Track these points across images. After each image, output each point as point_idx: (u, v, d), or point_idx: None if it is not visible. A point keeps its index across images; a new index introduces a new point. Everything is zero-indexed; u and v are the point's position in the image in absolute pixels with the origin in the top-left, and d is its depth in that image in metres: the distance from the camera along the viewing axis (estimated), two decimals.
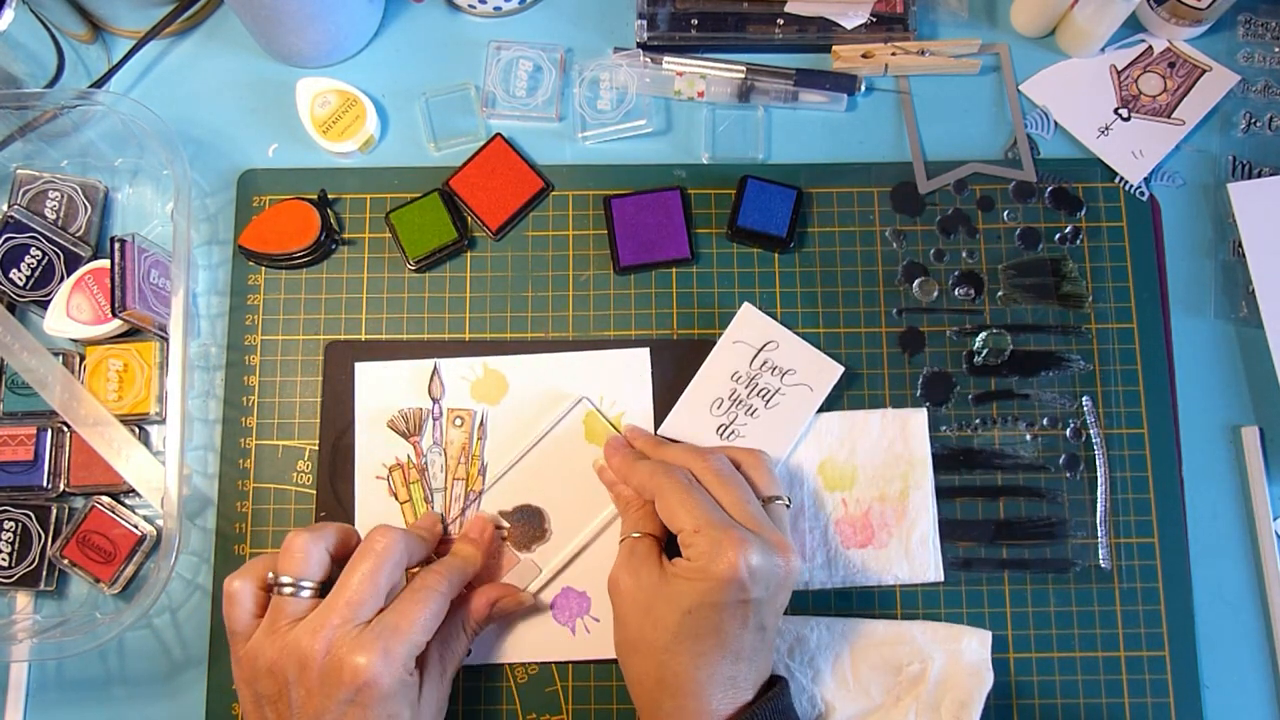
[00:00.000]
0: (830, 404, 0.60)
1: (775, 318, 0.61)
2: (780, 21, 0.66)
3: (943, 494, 0.60)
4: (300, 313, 0.62)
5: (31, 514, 0.58)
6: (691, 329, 0.62)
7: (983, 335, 0.62)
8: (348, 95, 0.63)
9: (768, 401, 0.60)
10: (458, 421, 0.60)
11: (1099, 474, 0.60)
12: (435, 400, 0.61)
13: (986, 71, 0.67)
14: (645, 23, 0.65)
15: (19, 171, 0.62)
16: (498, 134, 0.64)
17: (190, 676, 0.59)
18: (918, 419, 0.61)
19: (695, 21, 0.65)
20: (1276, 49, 0.67)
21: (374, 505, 0.59)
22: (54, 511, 0.59)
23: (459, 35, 0.67)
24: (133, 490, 0.59)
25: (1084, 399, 0.61)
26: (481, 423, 0.60)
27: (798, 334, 0.61)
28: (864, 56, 0.65)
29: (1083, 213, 0.64)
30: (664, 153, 0.65)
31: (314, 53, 0.65)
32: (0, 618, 0.59)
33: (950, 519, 0.60)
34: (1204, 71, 0.66)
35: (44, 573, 0.58)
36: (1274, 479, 0.60)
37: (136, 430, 0.60)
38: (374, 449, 0.60)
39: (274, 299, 0.63)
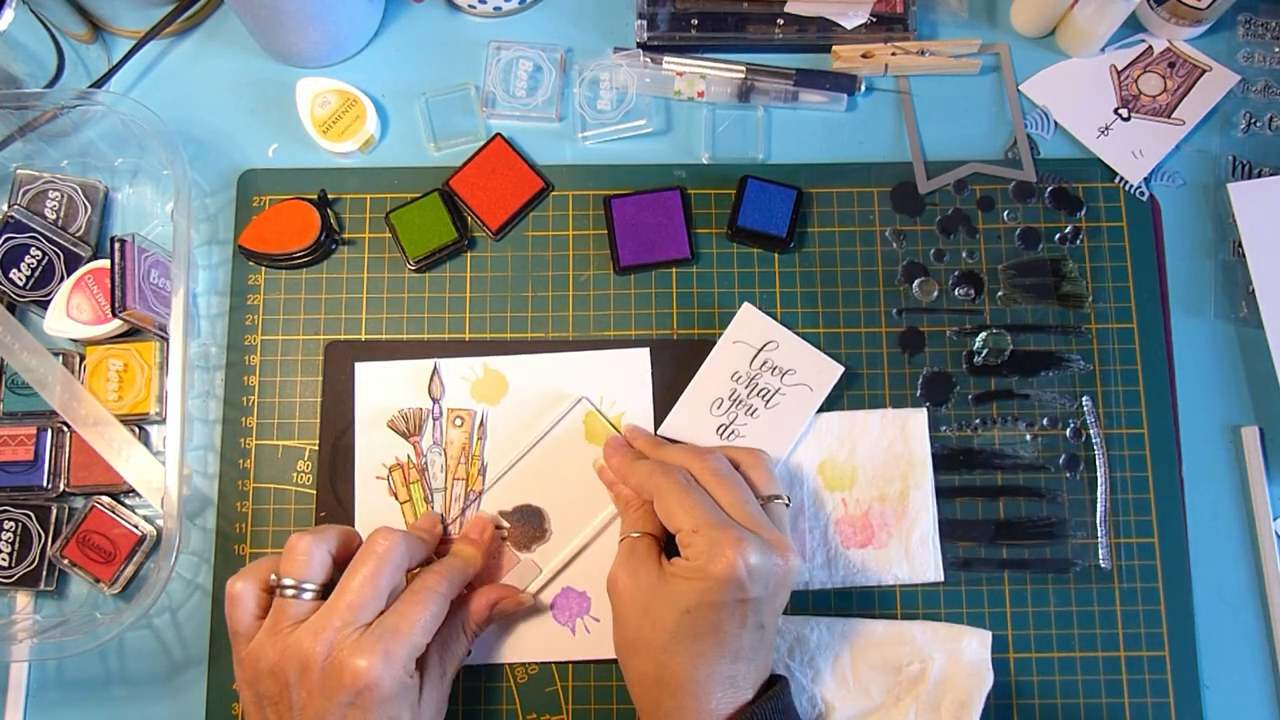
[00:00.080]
0: (830, 404, 0.60)
1: (775, 318, 0.61)
2: (780, 21, 0.66)
3: (943, 494, 0.60)
4: (300, 313, 0.62)
5: (31, 514, 0.58)
6: (691, 329, 0.62)
7: (983, 335, 0.62)
8: (348, 95, 0.63)
9: (768, 401, 0.60)
10: (458, 421, 0.60)
11: (1099, 474, 0.60)
12: (435, 400, 0.61)
13: (986, 71, 0.67)
14: (645, 23, 0.65)
15: (19, 171, 0.62)
16: (498, 134, 0.64)
17: (190, 676, 0.59)
18: (918, 419, 0.61)
19: (695, 21, 0.65)
20: (1276, 49, 0.67)
21: (374, 505, 0.59)
22: (54, 511, 0.59)
23: (459, 35, 0.67)
24: (133, 490, 0.59)
25: (1084, 399, 0.61)
26: (481, 423, 0.60)
27: (798, 334, 0.61)
28: (864, 56, 0.65)
29: (1083, 213, 0.64)
30: (664, 153, 0.65)
31: (314, 53, 0.65)
32: (0, 618, 0.59)
33: (950, 519, 0.60)
34: (1204, 71, 0.66)
35: (44, 573, 0.58)
36: (1274, 479, 0.60)
37: (136, 430, 0.60)
38: (374, 449, 0.60)
39: (274, 299, 0.63)
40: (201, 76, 0.67)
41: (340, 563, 0.51)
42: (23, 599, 0.59)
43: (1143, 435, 0.61)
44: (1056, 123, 0.65)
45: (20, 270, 0.60)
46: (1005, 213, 0.64)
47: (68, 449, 0.59)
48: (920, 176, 0.64)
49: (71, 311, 0.59)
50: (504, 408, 0.61)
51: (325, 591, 0.50)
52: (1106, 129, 0.65)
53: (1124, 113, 0.65)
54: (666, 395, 0.60)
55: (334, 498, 0.60)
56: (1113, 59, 0.66)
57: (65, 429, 0.59)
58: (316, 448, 0.60)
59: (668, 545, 0.53)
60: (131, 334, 0.61)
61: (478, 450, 0.60)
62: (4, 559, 0.58)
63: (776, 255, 0.63)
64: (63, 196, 0.62)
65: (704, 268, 0.63)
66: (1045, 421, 0.61)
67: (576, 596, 0.58)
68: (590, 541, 0.59)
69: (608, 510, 0.59)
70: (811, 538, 0.59)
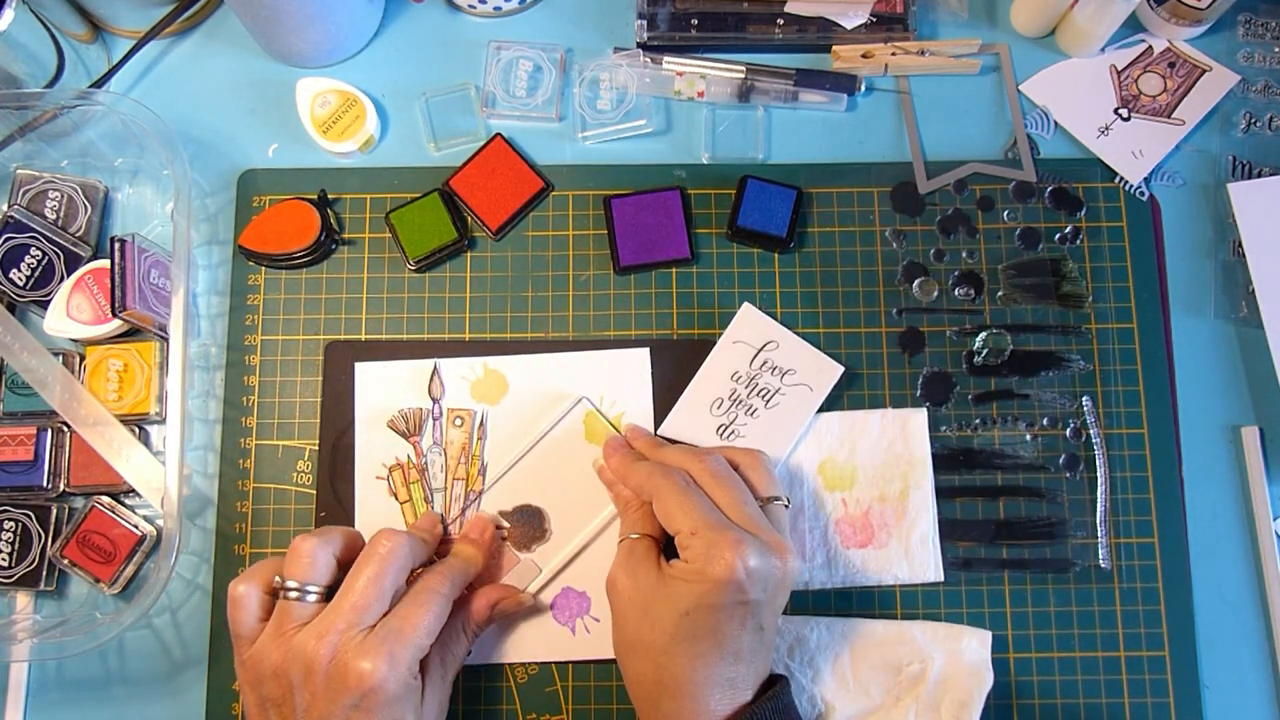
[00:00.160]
0: (830, 404, 0.60)
1: (775, 318, 0.61)
2: (780, 21, 0.66)
3: (943, 494, 0.60)
4: (300, 313, 0.62)
5: (31, 514, 0.58)
6: (691, 329, 0.62)
7: (983, 335, 0.62)
8: (348, 95, 0.63)
9: (768, 401, 0.60)
10: (458, 421, 0.60)
11: (1099, 474, 0.60)
12: (435, 400, 0.61)
13: (986, 71, 0.67)
14: (645, 23, 0.65)
15: (19, 171, 0.62)
16: (498, 134, 0.64)
17: (190, 676, 0.59)
18: (918, 419, 0.61)
19: (695, 21, 0.65)
20: (1276, 49, 0.67)
21: (374, 505, 0.59)
22: (54, 511, 0.59)
23: (459, 35, 0.67)
24: (133, 490, 0.59)
25: (1084, 399, 0.61)
26: (481, 423, 0.60)
27: (798, 334, 0.61)
28: (864, 56, 0.65)
29: (1083, 213, 0.64)
30: (664, 153, 0.65)
31: (314, 53, 0.65)
32: (0, 618, 0.59)
33: (950, 519, 0.60)
34: (1204, 71, 0.66)
35: (44, 573, 0.58)
36: (1274, 479, 0.60)
37: (136, 430, 0.60)
38: (374, 449, 0.60)
39: (274, 299, 0.63)
40: (201, 76, 0.67)
41: (344, 565, 0.51)
42: (23, 599, 0.59)
43: (1143, 435, 0.61)
44: (1056, 123, 0.65)
45: (20, 270, 0.60)
46: (1005, 213, 0.64)
47: (68, 449, 0.59)
48: (920, 176, 0.64)
49: (71, 311, 0.59)
50: (504, 408, 0.61)
51: (329, 594, 0.50)
52: (1106, 129, 0.65)
53: (1124, 113, 0.65)
54: (666, 395, 0.60)
55: (334, 498, 0.60)
56: (1113, 59, 0.66)
57: (65, 429, 0.59)
58: (316, 448, 0.60)
59: (667, 547, 0.53)
60: (131, 334, 0.61)
61: (478, 450, 0.60)
62: (4, 559, 0.58)
63: (776, 255, 0.63)
64: (63, 196, 0.62)
65: (704, 268, 0.63)
66: (1045, 421, 0.61)
67: (576, 596, 0.58)
68: (590, 542, 0.59)
69: (608, 510, 0.59)
70: (811, 538, 0.59)
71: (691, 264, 0.63)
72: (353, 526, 0.59)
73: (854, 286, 0.63)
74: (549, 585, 0.58)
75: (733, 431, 0.59)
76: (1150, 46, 0.66)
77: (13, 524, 0.58)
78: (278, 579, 0.50)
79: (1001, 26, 0.67)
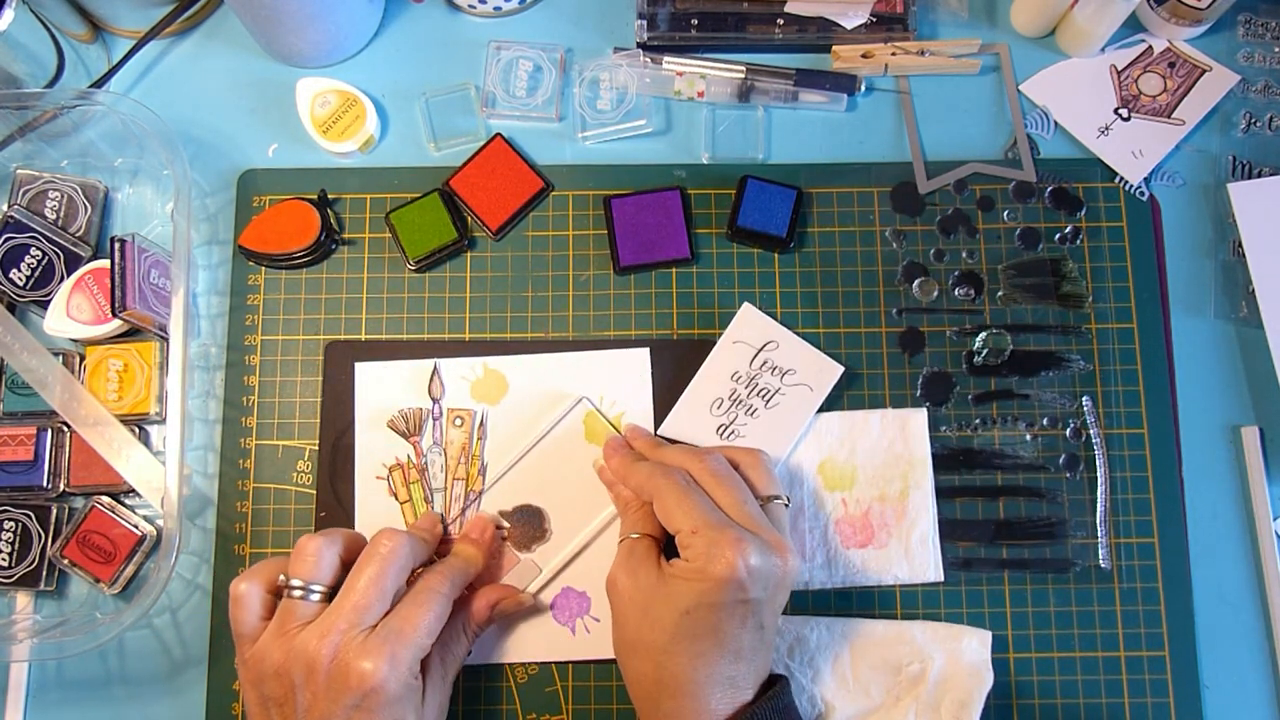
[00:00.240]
0: (830, 404, 0.60)
1: (775, 318, 0.61)
2: (780, 21, 0.66)
3: (943, 494, 0.60)
4: (300, 313, 0.62)
5: (31, 514, 0.58)
6: (691, 329, 0.62)
7: (983, 335, 0.62)
8: (348, 95, 0.63)
9: (768, 401, 0.60)
10: (458, 421, 0.60)
11: (1099, 474, 0.60)
12: (435, 400, 0.61)
13: (986, 71, 0.67)
14: (645, 23, 0.65)
15: (19, 171, 0.62)
16: (498, 134, 0.64)
17: (190, 676, 0.59)
18: (918, 419, 0.61)
19: (695, 21, 0.65)
20: (1276, 49, 0.67)
21: (374, 505, 0.59)
22: (54, 511, 0.59)
23: (459, 35, 0.67)
24: (133, 490, 0.59)
25: (1084, 399, 0.61)
26: (481, 423, 0.60)
27: (798, 334, 0.61)
28: (864, 56, 0.65)
29: (1083, 213, 0.64)
30: (664, 153, 0.65)
31: (314, 53, 0.65)
32: (0, 618, 0.59)
33: (950, 519, 0.60)
34: (1204, 71, 0.66)
35: (44, 573, 0.58)
36: (1274, 479, 0.60)
37: (136, 430, 0.60)
38: (374, 449, 0.60)
39: (274, 299, 0.63)
40: (201, 76, 0.67)
41: (347, 565, 0.51)
42: (23, 599, 0.59)
43: (1143, 435, 0.61)
44: (1056, 123, 0.65)
45: (20, 270, 0.60)
46: (1005, 213, 0.64)
47: (68, 449, 0.59)
48: (920, 176, 0.64)
49: (71, 311, 0.59)
50: (504, 408, 0.61)
51: (333, 594, 0.50)
52: (1106, 129, 0.65)
53: (1124, 113, 0.65)
54: (666, 395, 0.60)
55: (334, 498, 0.60)
56: (1113, 59, 0.66)
57: (65, 429, 0.59)
58: (316, 448, 0.60)
59: (667, 546, 0.53)
60: (131, 334, 0.61)
61: (478, 450, 0.60)
62: (4, 559, 0.58)
63: (776, 255, 0.63)
64: (63, 196, 0.62)
65: (704, 268, 0.63)
66: (1045, 421, 0.61)
67: (576, 596, 0.58)
68: (590, 542, 0.59)
69: (608, 510, 0.59)
70: (811, 538, 0.59)
71: (691, 264, 0.63)
72: (353, 526, 0.59)
73: (854, 286, 0.63)
74: (549, 585, 0.58)
75: (733, 431, 0.59)
76: (1150, 46, 0.67)
77: (13, 524, 0.58)
78: (283, 577, 0.50)
79: (1001, 26, 0.67)
